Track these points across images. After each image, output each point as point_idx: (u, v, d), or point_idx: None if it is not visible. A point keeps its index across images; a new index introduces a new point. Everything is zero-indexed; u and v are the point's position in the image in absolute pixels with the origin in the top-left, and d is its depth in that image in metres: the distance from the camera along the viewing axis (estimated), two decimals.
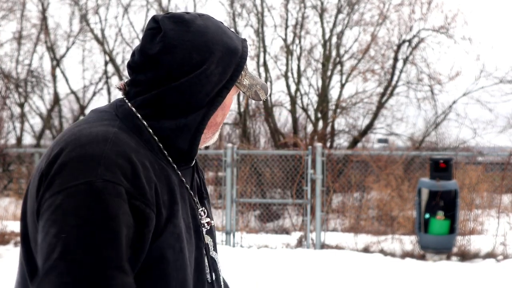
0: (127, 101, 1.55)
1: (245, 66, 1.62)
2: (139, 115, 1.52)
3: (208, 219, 1.63)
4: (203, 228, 1.60)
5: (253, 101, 16.12)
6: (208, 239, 1.62)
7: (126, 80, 1.61)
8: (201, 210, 1.61)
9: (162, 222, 1.44)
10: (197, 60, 1.51)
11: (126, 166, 1.38)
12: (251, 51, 16.27)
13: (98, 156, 1.37)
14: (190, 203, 1.57)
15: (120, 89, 1.60)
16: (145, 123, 1.52)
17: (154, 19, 1.57)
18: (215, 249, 1.67)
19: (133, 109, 1.53)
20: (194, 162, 1.65)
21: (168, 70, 1.51)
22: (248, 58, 1.69)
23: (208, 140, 1.64)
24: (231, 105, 1.67)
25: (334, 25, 15.81)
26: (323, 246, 9.56)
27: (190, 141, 1.55)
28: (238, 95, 15.71)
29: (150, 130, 1.52)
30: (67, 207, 1.32)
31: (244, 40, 1.64)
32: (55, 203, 1.33)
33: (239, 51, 1.59)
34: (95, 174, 1.34)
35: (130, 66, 1.58)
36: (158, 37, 1.53)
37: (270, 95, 15.92)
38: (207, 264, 1.59)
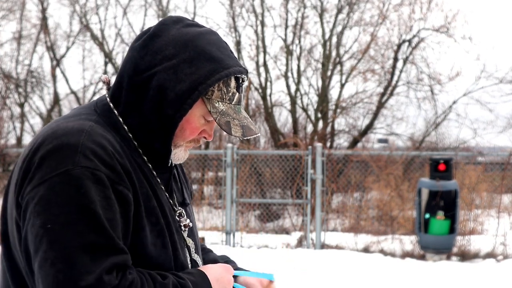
0: (107, 96, 1.57)
1: (228, 91, 1.53)
2: (115, 111, 1.53)
3: (187, 222, 1.62)
4: (182, 229, 1.60)
5: (253, 101, 16.11)
6: (189, 241, 1.63)
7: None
8: (179, 212, 1.61)
9: (141, 214, 1.46)
10: (170, 52, 1.49)
11: (102, 153, 1.40)
12: (251, 51, 16.27)
13: (74, 145, 1.39)
14: (166, 204, 1.56)
15: (104, 82, 1.61)
16: (121, 119, 1.53)
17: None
18: (197, 252, 1.66)
19: (111, 104, 1.54)
20: (172, 166, 1.61)
21: (142, 55, 1.50)
22: (241, 92, 1.57)
23: (178, 149, 1.57)
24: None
25: (334, 25, 15.80)
26: (323, 246, 9.56)
27: (162, 141, 1.52)
28: None
29: (126, 127, 1.52)
30: (49, 197, 1.35)
31: (241, 66, 1.55)
32: (38, 194, 1.36)
33: (224, 63, 1.51)
34: (72, 162, 1.37)
35: None
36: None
37: (270, 95, 15.90)
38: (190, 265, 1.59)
